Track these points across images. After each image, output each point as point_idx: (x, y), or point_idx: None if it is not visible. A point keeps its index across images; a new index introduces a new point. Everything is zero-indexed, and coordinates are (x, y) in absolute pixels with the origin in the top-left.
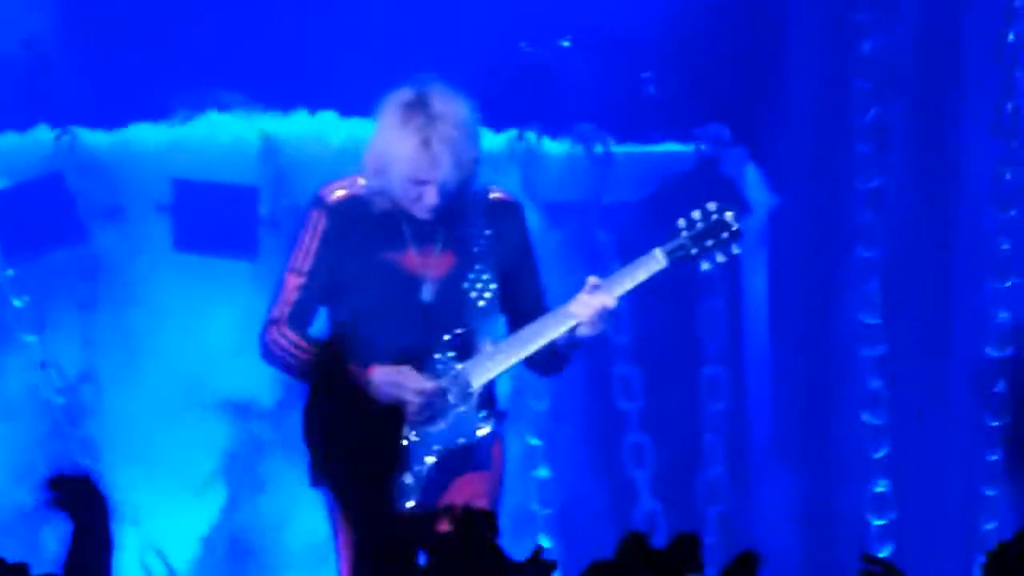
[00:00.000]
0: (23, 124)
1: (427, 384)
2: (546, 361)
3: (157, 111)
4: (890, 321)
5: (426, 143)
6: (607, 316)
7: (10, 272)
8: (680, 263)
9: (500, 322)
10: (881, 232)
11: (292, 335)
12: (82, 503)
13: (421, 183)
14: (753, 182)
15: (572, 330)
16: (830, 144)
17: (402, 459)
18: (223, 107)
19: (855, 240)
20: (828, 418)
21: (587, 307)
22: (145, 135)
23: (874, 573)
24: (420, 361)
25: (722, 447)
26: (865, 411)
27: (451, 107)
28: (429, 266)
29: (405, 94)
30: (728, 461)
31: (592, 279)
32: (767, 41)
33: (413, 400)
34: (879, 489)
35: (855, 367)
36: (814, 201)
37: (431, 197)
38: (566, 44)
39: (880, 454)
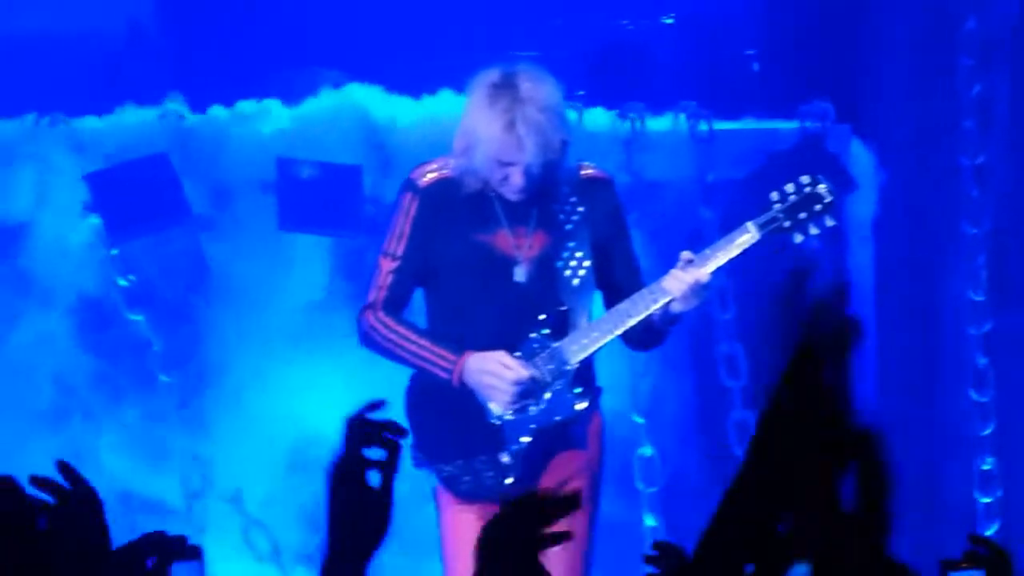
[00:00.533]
0: (128, 103)
1: (520, 370)
2: (643, 337)
3: (262, 90)
4: (996, 298)
5: (511, 125)
6: (701, 291)
7: (115, 251)
8: (773, 236)
9: (595, 299)
10: (987, 208)
11: (387, 319)
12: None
13: (506, 164)
14: (858, 159)
15: (667, 306)
16: (935, 121)
17: (499, 438)
18: (328, 85)
19: (961, 216)
20: (933, 395)
21: (680, 282)
22: (250, 114)
23: (980, 553)
24: (515, 340)
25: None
26: (971, 388)
27: (538, 89)
28: (522, 246)
29: (492, 75)
30: None
31: (685, 254)
32: (871, 17)
33: (506, 389)
34: (986, 467)
35: (961, 344)
36: (919, 178)
37: (517, 179)
38: (669, 21)
39: (987, 431)
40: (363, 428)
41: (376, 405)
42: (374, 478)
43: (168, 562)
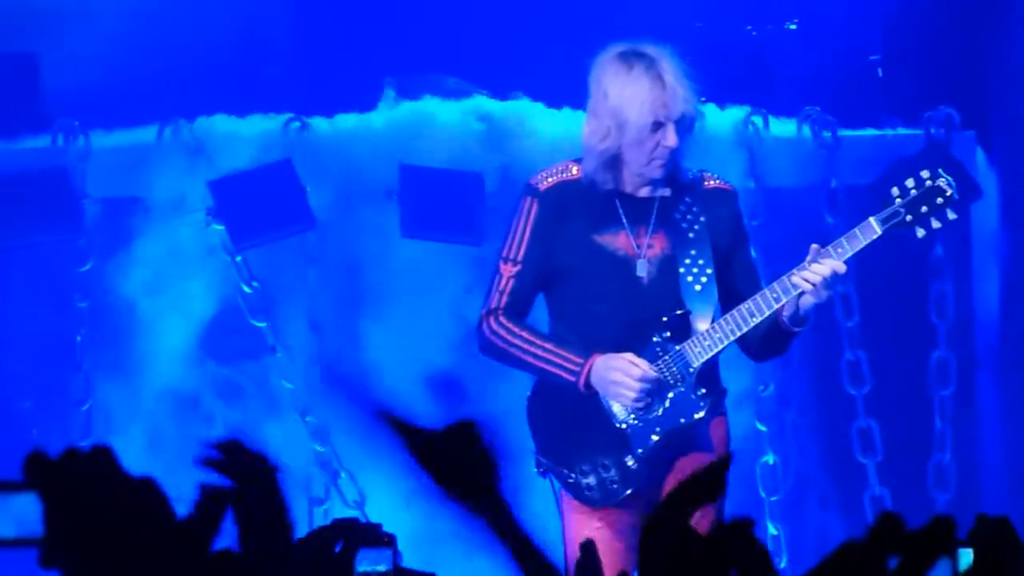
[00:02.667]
0: (254, 109)
1: (648, 370)
2: (768, 341)
3: (383, 98)
4: None
5: (658, 79)
6: (834, 282)
7: (239, 258)
8: (899, 233)
9: (716, 307)
10: None
11: (510, 324)
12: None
13: (659, 126)
14: (983, 166)
15: (796, 305)
16: None
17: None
18: (448, 93)
19: None
20: None
21: (814, 274)
22: (372, 121)
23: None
24: (638, 342)
25: (951, 433)
26: None
27: (661, 51)
28: (643, 246)
29: (614, 49)
30: (956, 447)
31: (815, 246)
32: (996, 23)
33: (634, 388)
34: None
35: None
36: None
37: (671, 138)
38: (793, 27)
39: None
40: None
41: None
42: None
43: (356, 548)
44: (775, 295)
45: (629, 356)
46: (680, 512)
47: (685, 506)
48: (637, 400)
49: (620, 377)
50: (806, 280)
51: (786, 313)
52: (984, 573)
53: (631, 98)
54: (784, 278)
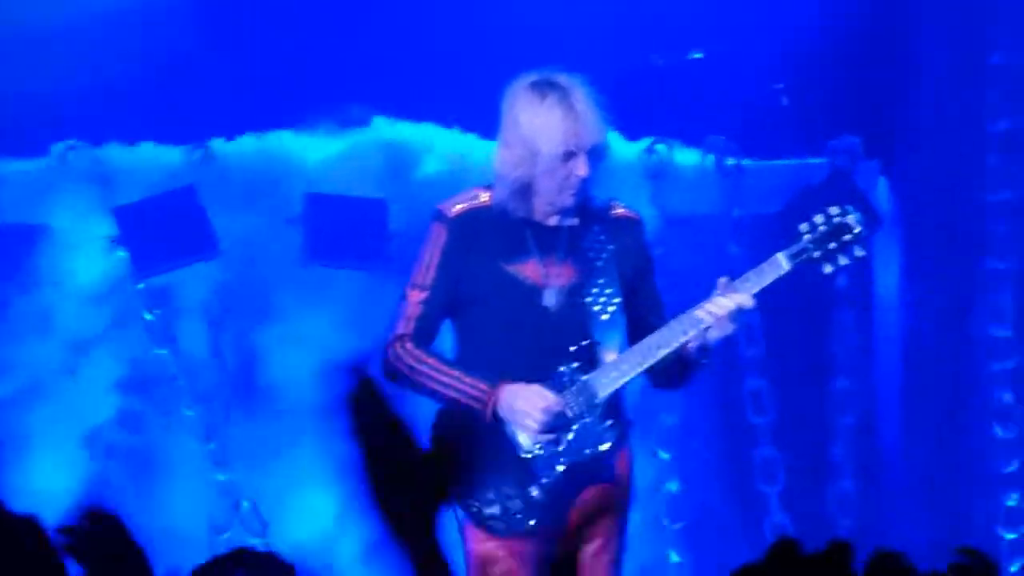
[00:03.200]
0: (156, 136)
1: (554, 401)
2: (672, 374)
3: (289, 124)
4: (1022, 333)
5: (570, 110)
6: (738, 316)
7: (141, 286)
8: (803, 267)
9: (622, 337)
10: (1013, 244)
11: (417, 351)
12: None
13: (571, 155)
14: (885, 195)
15: (703, 334)
16: (962, 156)
17: (530, 473)
18: (353, 120)
19: (986, 252)
20: (958, 431)
21: (721, 308)
22: (276, 148)
23: (966, 565)
24: (544, 372)
25: (852, 461)
26: (996, 424)
27: (572, 80)
28: (551, 275)
29: (527, 79)
30: (857, 475)
31: (723, 280)
32: (899, 53)
33: (539, 419)
34: (1010, 503)
35: (986, 380)
36: (946, 213)
37: (583, 168)
38: (698, 56)
39: (1011, 468)
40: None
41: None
42: None
43: None
44: (682, 328)
45: (536, 388)
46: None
47: None
48: (542, 431)
49: (526, 407)
50: (712, 313)
51: (692, 345)
52: None
53: (543, 128)
54: (692, 311)
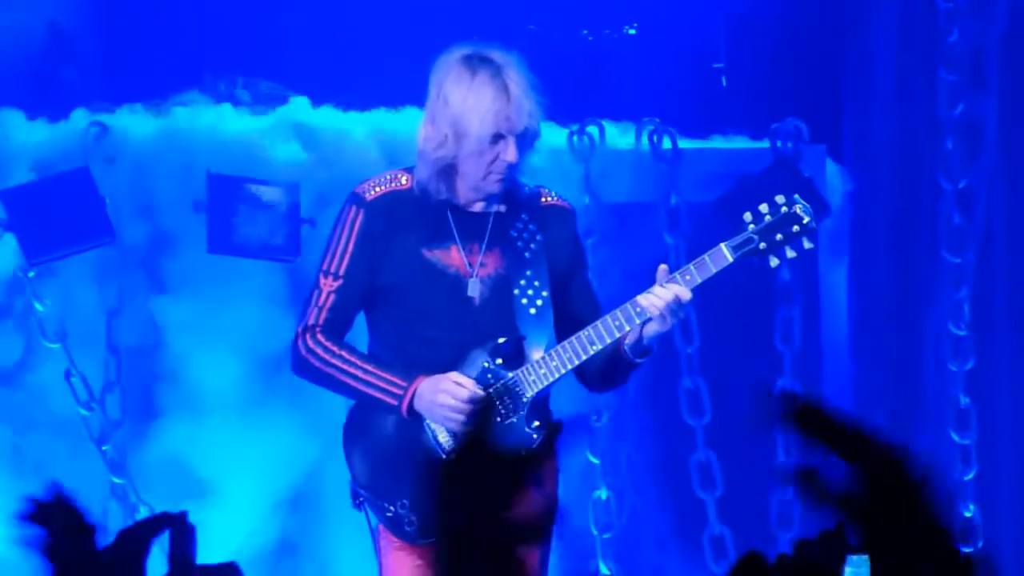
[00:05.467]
0: (48, 113)
1: (476, 389)
2: (607, 372)
3: (190, 102)
4: (980, 332)
5: (503, 89)
6: (679, 310)
7: (32, 273)
8: (747, 259)
9: (551, 333)
10: (970, 236)
11: (328, 343)
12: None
13: (499, 138)
14: (833, 181)
15: (639, 335)
16: (914, 141)
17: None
18: (262, 96)
19: (942, 245)
20: (912, 437)
21: (660, 299)
22: (178, 127)
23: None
24: (467, 368)
25: (794, 468)
26: (952, 429)
27: (508, 57)
28: (475, 264)
29: (458, 51)
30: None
31: (664, 267)
32: (846, 29)
33: (462, 410)
34: (967, 514)
35: (942, 382)
36: (898, 202)
37: (511, 153)
38: (632, 32)
39: (968, 476)
40: None
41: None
42: None
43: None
44: (617, 323)
45: (454, 375)
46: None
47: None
48: (465, 424)
49: (446, 400)
50: (649, 307)
51: (628, 342)
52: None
53: (473, 107)
54: (627, 304)
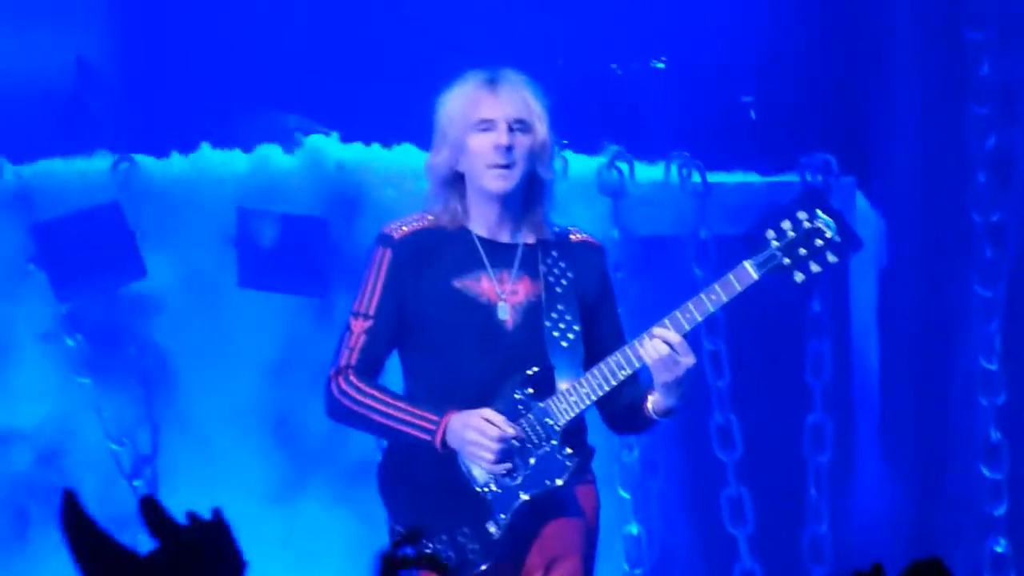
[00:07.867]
0: (79, 149)
1: (506, 428)
2: (629, 419)
3: (222, 138)
4: (1011, 367)
5: (489, 82)
6: (673, 365)
7: (63, 309)
8: (773, 278)
9: (581, 369)
10: (1002, 269)
11: (360, 384)
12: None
13: (486, 123)
14: (863, 215)
15: (662, 395)
16: (946, 174)
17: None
18: (292, 136)
19: (974, 278)
20: (943, 472)
21: (655, 352)
22: (209, 163)
23: None
24: (499, 398)
25: (827, 502)
26: (983, 464)
27: (511, 71)
28: (506, 291)
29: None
30: (833, 518)
31: (662, 325)
32: (877, 61)
33: (492, 448)
34: (998, 549)
35: (973, 416)
36: (929, 236)
37: (502, 136)
38: (660, 65)
39: (999, 511)
40: (396, 567)
41: (412, 537)
42: None
43: None
44: (627, 359)
45: (485, 412)
46: None
47: None
48: (496, 462)
49: (476, 437)
50: (646, 353)
51: (651, 406)
52: None
53: (455, 100)
54: (653, 329)
